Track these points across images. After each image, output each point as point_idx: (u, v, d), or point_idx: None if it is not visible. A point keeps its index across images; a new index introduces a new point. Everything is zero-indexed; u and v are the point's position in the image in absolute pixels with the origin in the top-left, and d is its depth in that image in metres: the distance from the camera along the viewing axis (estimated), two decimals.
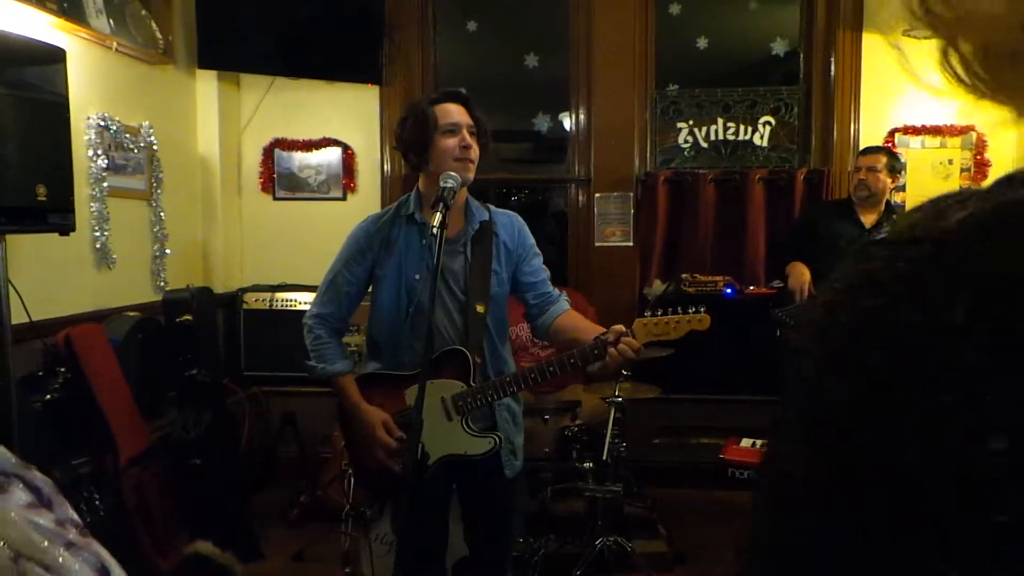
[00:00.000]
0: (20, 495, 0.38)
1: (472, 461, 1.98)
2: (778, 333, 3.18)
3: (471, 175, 1.97)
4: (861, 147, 3.96)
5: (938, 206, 0.29)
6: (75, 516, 0.43)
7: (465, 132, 1.96)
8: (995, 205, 0.27)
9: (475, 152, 1.98)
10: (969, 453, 0.24)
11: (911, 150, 3.96)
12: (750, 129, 4.12)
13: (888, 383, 0.26)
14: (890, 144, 3.95)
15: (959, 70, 0.34)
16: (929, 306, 0.26)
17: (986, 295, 0.25)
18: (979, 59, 0.33)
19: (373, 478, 2.10)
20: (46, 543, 0.39)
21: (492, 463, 2.04)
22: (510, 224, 2.11)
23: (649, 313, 1.94)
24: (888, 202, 3.32)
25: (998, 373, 0.24)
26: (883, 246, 0.29)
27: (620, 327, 1.89)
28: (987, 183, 0.30)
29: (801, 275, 3.14)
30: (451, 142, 1.95)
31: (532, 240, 2.15)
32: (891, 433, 0.26)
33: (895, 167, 3.30)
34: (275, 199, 4.25)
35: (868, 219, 3.26)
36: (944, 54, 0.34)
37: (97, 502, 2.52)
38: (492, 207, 2.13)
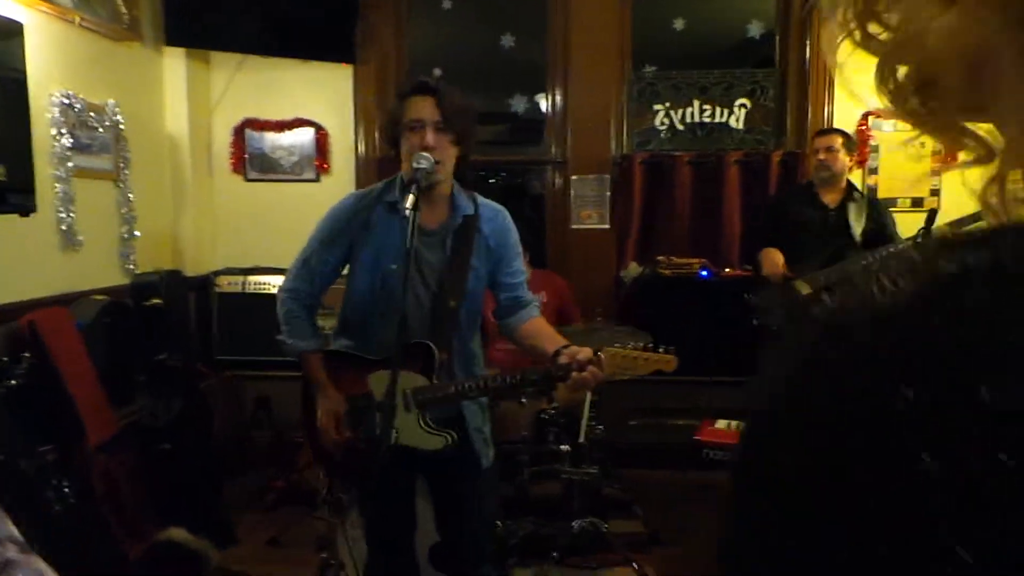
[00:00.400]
0: None
1: (446, 450, 1.97)
2: (754, 319, 3.21)
3: (424, 163, 1.84)
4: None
5: (868, 279, 0.28)
6: (15, 532, 0.40)
7: (428, 129, 1.88)
8: (925, 281, 0.27)
9: (439, 150, 1.88)
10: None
11: (884, 133, 4.00)
12: (726, 111, 4.12)
13: (829, 469, 0.26)
14: (863, 127, 3.98)
15: (892, 95, 0.34)
16: (875, 392, 0.25)
17: (929, 376, 0.25)
18: (913, 88, 0.33)
19: (329, 461, 2.08)
20: None
21: (467, 455, 2.02)
22: (495, 219, 2.06)
23: (619, 345, 1.93)
24: (848, 181, 3.37)
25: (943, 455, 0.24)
26: (818, 327, 0.29)
27: (587, 351, 1.86)
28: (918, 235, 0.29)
29: (774, 261, 3.17)
30: (413, 140, 1.90)
31: (516, 238, 2.10)
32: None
33: (851, 146, 3.36)
34: (247, 180, 4.17)
35: (831, 199, 3.31)
36: (880, 75, 0.34)
37: (65, 490, 2.47)
38: (480, 199, 2.08)
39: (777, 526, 0.27)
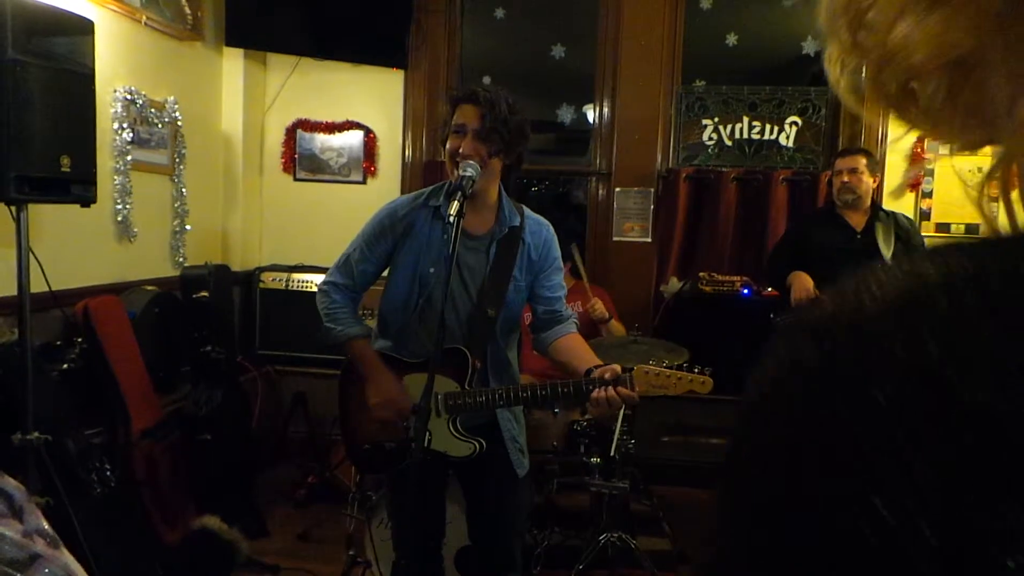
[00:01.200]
0: None
1: (472, 458, 1.97)
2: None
3: (470, 171, 1.84)
4: (888, 151, 3.91)
5: (859, 286, 0.28)
6: (45, 526, 0.41)
7: (469, 136, 1.90)
8: (907, 287, 0.27)
9: (476, 158, 1.87)
10: (900, 541, 0.24)
11: (940, 156, 3.89)
12: (776, 129, 4.06)
13: (818, 470, 0.26)
14: (919, 150, 3.88)
15: (890, 100, 0.34)
16: (851, 393, 0.26)
17: (904, 379, 0.25)
18: (907, 92, 0.33)
19: (362, 455, 2.10)
20: (12, 524, 0.38)
21: (500, 462, 2.03)
22: (539, 232, 2.06)
23: (653, 362, 1.91)
24: (873, 201, 3.25)
25: (922, 453, 0.24)
26: (806, 332, 0.29)
27: (617, 367, 1.85)
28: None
29: (804, 283, 3.07)
30: (452, 144, 1.92)
31: (558, 253, 2.10)
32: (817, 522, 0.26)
33: (874, 166, 3.24)
34: (296, 180, 4.27)
35: (856, 221, 3.19)
36: (874, 83, 0.34)
37: (108, 472, 2.55)
38: (527, 211, 2.08)
39: (751, 516, 0.28)
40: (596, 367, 1.89)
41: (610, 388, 1.82)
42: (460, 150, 1.89)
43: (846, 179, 3.18)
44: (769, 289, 3.82)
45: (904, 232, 3.18)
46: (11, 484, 0.40)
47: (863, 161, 3.19)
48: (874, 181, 3.24)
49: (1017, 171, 0.31)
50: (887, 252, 3.09)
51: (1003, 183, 0.31)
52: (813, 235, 3.26)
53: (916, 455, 0.24)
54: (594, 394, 1.84)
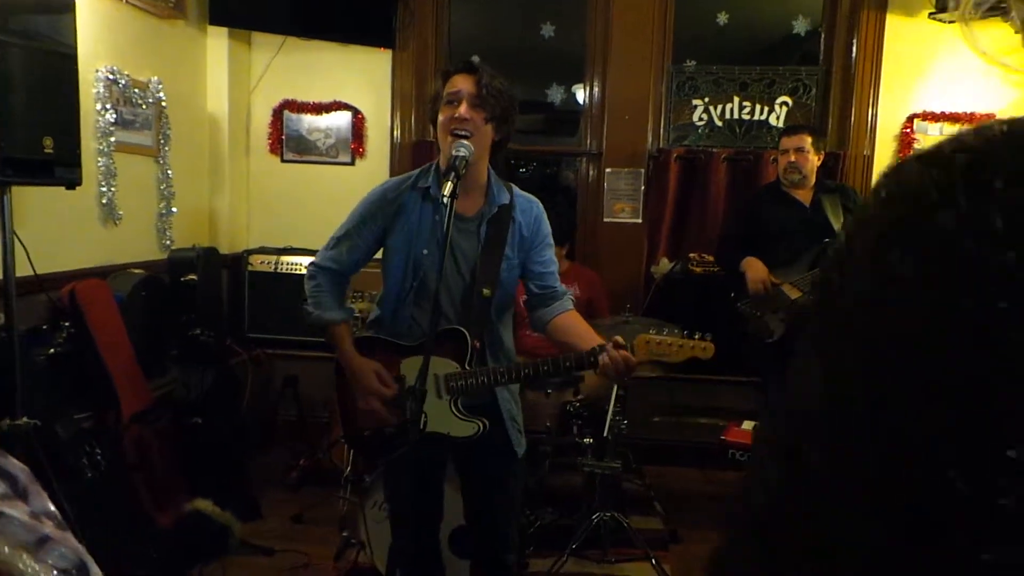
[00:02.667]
0: None
1: (475, 437, 1.97)
2: (746, 330, 3.10)
3: (463, 151, 1.84)
4: (878, 132, 3.91)
5: (981, 127, 0.29)
6: (51, 507, 0.40)
7: (464, 103, 1.88)
8: None
9: (472, 123, 1.88)
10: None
11: (930, 137, 3.90)
12: (766, 109, 4.05)
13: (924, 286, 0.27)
14: (908, 130, 3.89)
15: None
16: (966, 213, 0.27)
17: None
18: None
19: (360, 439, 2.10)
20: (7, 549, 0.37)
21: (499, 441, 2.03)
22: (529, 210, 2.05)
23: (654, 331, 1.90)
24: (818, 177, 3.22)
25: None
26: (919, 160, 0.30)
27: (619, 339, 1.85)
28: None
29: (759, 270, 3.06)
30: (445, 114, 1.90)
31: (548, 229, 2.09)
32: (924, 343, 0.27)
33: (819, 145, 3.21)
34: (283, 161, 4.22)
35: (804, 197, 3.18)
36: None
37: (98, 456, 2.54)
38: (516, 189, 2.07)
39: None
40: (600, 346, 1.88)
41: (617, 351, 1.82)
42: (456, 115, 1.87)
43: (792, 158, 3.15)
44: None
45: (852, 204, 3.15)
46: (15, 465, 0.38)
47: (808, 139, 3.16)
48: (819, 159, 3.21)
49: None
50: (837, 225, 3.07)
51: None
52: (763, 214, 3.22)
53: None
54: (603, 359, 1.83)
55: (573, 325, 2.04)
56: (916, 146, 3.91)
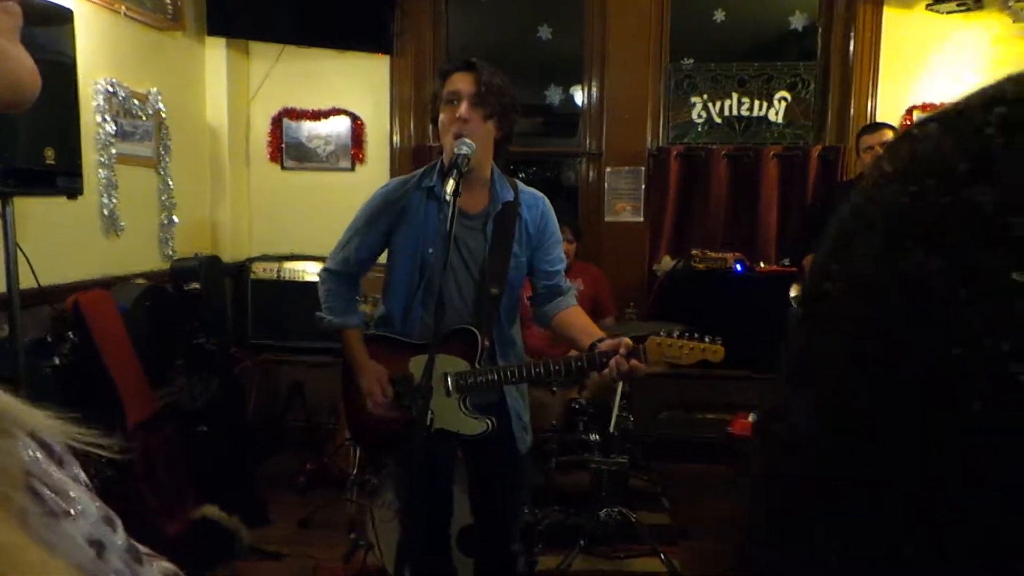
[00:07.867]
0: (30, 443, 0.37)
1: (484, 435, 1.97)
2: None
3: (465, 148, 1.81)
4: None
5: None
6: (84, 476, 0.41)
7: (465, 102, 1.87)
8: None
9: (473, 123, 1.86)
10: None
11: None
12: (765, 105, 4.05)
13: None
14: (908, 123, 3.88)
15: None
16: (1009, 185, 0.22)
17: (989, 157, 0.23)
18: None
19: (367, 437, 2.10)
20: (52, 468, 0.38)
21: (505, 438, 2.03)
22: (535, 206, 2.04)
23: (664, 333, 1.90)
24: None
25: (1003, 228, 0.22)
26: (939, 122, 0.27)
27: (628, 340, 1.84)
28: None
29: None
30: (446, 115, 1.89)
31: (555, 226, 2.08)
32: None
33: None
34: (283, 169, 4.23)
35: None
36: None
37: (104, 465, 2.54)
38: (521, 185, 2.06)
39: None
40: (600, 340, 1.88)
41: (623, 359, 1.81)
42: (457, 115, 1.86)
43: (880, 152, 3.19)
44: (762, 265, 3.83)
45: None
46: (51, 436, 0.39)
47: (889, 135, 3.28)
48: None
49: None
50: None
51: None
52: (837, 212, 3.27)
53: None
54: (608, 367, 1.82)
55: (576, 321, 2.05)
56: None
